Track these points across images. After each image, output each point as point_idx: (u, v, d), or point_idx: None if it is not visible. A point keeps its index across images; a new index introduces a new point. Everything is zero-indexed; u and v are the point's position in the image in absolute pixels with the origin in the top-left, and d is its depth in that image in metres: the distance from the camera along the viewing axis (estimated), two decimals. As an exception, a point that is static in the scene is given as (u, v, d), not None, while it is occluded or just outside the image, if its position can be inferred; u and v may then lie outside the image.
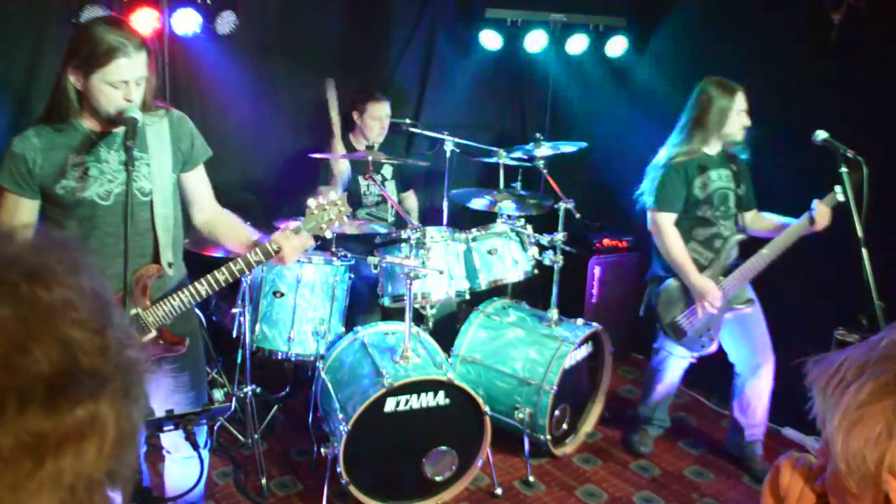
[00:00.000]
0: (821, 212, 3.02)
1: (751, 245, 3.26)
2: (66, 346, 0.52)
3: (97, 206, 2.12)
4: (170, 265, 2.24)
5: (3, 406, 0.47)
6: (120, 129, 2.12)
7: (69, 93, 2.04)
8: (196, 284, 2.19)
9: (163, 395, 2.30)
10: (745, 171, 3.37)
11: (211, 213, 2.41)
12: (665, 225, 3.25)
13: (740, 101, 3.18)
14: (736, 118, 3.19)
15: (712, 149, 3.28)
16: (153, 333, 2.17)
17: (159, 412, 1.98)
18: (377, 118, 3.95)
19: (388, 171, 4.13)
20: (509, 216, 3.76)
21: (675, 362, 3.51)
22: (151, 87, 2.13)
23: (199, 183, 2.36)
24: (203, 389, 2.49)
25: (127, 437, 0.53)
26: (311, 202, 2.31)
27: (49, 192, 2.11)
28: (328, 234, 2.43)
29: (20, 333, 0.50)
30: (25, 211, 2.13)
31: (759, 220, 3.39)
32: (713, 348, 3.34)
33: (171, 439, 2.36)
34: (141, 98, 2.08)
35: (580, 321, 3.59)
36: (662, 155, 3.29)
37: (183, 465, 2.41)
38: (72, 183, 2.10)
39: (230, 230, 2.38)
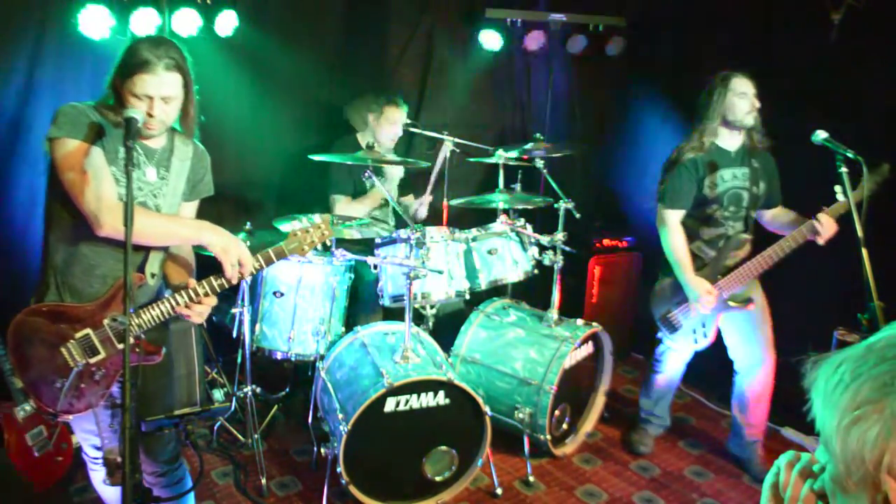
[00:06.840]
0: (826, 223, 2.96)
1: (760, 243, 3.24)
2: None
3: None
4: (152, 276, 2.29)
5: None
6: (158, 147, 2.24)
7: (115, 96, 2.11)
8: (176, 296, 2.20)
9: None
10: (771, 168, 3.29)
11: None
12: (671, 222, 3.24)
13: (738, 84, 3.11)
14: (737, 101, 3.11)
15: (730, 143, 3.21)
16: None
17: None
18: (392, 122, 3.93)
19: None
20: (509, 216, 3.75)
21: (674, 355, 3.51)
22: (189, 113, 2.23)
23: (190, 214, 2.44)
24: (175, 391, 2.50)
25: None
26: (295, 225, 2.37)
27: None
28: (309, 256, 2.47)
29: None
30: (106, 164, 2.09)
31: (780, 216, 3.32)
32: (706, 343, 3.33)
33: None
34: (171, 117, 2.16)
35: (580, 321, 3.59)
36: (674, 152, 3.26)
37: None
38: (118, 173, 2.11)
39: (173, 267, 2.39)
